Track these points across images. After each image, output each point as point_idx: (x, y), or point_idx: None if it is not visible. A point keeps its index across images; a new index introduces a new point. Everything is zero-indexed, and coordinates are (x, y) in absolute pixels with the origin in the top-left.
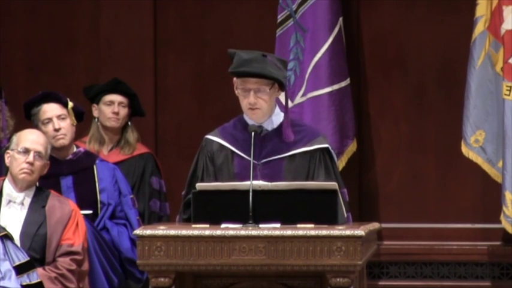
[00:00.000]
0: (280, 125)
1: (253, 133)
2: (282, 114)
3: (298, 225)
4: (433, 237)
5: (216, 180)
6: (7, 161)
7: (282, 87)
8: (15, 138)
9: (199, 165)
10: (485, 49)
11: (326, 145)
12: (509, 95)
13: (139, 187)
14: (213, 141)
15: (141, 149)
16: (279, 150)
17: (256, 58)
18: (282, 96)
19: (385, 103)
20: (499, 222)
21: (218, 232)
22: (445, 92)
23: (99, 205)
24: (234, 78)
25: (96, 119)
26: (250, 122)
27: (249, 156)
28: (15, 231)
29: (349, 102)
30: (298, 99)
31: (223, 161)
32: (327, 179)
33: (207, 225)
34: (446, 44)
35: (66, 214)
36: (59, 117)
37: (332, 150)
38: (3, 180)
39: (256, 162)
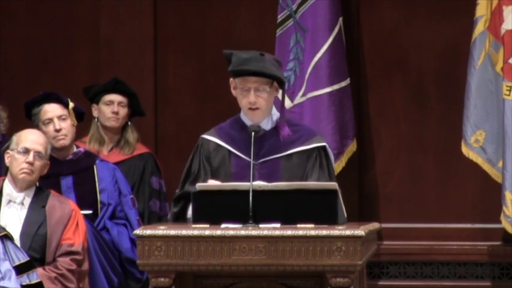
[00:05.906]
0: (278, 125)
1: (253, 133)
2: (279, 114)
3: (298, 225)
4: (433, 237)
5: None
6: (7, 161)
7: (281, 85)
8: (15, 138)
9: (194, 165)
10: (485, 49)
11: (323, 143)
12: (509, 95)
13: (139, 187)
14: (209, 141)
15: (141, 149)
16: (276, 149)
17: (255, 57)
18: (279, 95)
19: (385, 103)
20: (499, 222)
21: (218, 232)
22: (445, 92)
23: (99, 205)
24: (231, 79)
25: (96, 119)
26: (247, 122)
27: (247, 156)
28: (15, 231)
29: (349, 102)
30: (298, 99)
31: (220, 161)
32: (320, 177)
33: (207, 225)
34: (446, 44)
35: (66, 214)
36: (59, 117)
37: (329, 149)
38: (3, 180)
39: (254, 161)
